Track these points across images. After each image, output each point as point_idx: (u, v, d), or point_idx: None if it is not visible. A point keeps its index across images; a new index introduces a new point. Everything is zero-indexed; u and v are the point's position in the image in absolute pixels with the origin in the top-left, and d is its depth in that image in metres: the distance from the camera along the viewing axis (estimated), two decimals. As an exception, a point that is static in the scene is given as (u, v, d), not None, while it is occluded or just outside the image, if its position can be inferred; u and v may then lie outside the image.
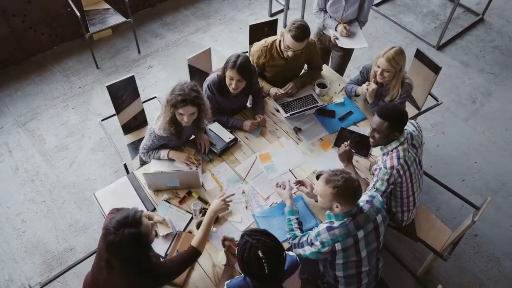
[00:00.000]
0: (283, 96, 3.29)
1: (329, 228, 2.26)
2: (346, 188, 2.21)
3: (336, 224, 2.27)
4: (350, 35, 3.49)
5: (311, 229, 2.63)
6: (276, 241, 1.97)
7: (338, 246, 2.25)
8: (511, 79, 4.67)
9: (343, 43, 3.49)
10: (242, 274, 2.05)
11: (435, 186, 3.36)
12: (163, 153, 2.88)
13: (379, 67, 2.94)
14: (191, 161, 2.87)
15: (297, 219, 2.55)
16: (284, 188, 2.68)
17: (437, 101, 3.66)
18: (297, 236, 2.45)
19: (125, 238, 1.90)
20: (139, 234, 1.94)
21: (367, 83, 3.11)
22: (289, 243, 2.49)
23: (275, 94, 3.27)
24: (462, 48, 4.99)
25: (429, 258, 3.17)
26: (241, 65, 2.85)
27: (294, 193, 2.79)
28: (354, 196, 2.25)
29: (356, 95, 3.28)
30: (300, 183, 2.73)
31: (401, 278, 3.22)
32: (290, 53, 3.12)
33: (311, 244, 2.31)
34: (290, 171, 2.94)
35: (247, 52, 3.83)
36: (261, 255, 1.88)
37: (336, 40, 3.51)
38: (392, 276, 3.10)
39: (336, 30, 3.50)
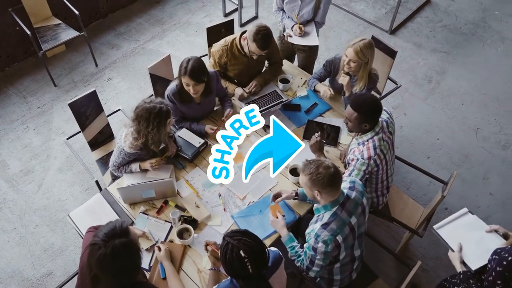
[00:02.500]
0: (249, 95, 3.32)
1: (325, 226, 2.28)
2: (319, 174, 2.23)
3: (327, 217, 2.30)
4: (304, 34, 3.53)
5: (292, 223, 2.71)
6: (257, 240, 1.99)
7: (339, 238, 2.28)
8: (462, 56, 4.87)
9: (295, 40, 3.55)
10: (229, 277, 2.07)
11: (403, 166, 3.47)
12: (135, 166, 2.85)
13: (346, 56, 3.01)
14: (155, 163, 2.84)
15: (298, 243, 2.53)
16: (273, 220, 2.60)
17: (396, 84, 3.79)
18: (304, 259, 2.44)
19: (117, 248, 1.85)
20: (130, 243, 1.91)
21: (329, 87, 3.22)
22: (301, 269, 2.47)
23: (241, 94, 3.29)
24: (413, 30, 5.16)
25: (405, 236, 3.29)
26: (192, 69, 2.83)
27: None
28: (332, 182, 2.24)
29: (316, 91, 3.34)
30: (276, 196, 2.72)
31: (382, 259, 3.32)
32: (255, 57, 3.20)
33: (315, 251, 2.29)
34: (271, 191, 2.88)
35: (206, 55, 3.83)
36: (243, 254, 1.90)
37: (288, 37, 3.56)
38: (372, 258, 3.19)
39: (292, 30, 3.55)
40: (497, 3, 5.46)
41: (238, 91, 3.31)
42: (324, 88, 3.25)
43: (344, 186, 2.43)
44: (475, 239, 2.35)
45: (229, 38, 3.29)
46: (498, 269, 2.05)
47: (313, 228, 2.33)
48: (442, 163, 3.98)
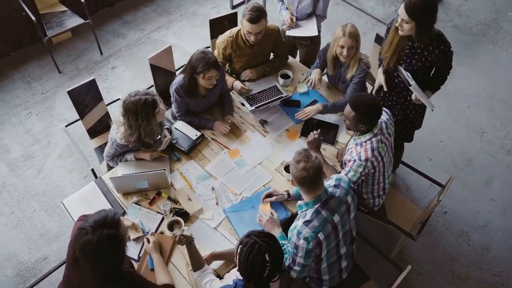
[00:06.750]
0: (248, 91, 3.29)
1: (307, 223, 2.26)
2: (297, 173, 2.24)
3: (309, 214, 2.28)
4: (303, 25, 3.48)
5: (284, 220, 2.69)
6: (280, 247, 2.00)
7: (321, 236, 2.26)
8: (471, 58, 4.78)
9: (293, 32, 3.50)
10: (231, 282, 2.06)
11: (404, 167, 3.43)
12: (129, 156, 2.86)
13: (343, 47, 2.97)
14: (153, 154, 2.87)
15: (288, 242, 2.49)
16: (268, 220, 2.57)
17: (401, 84, 3.72)
18: (287, 257, 2.42)
19: (103, 238, 1.85)
20: (117, 236, 1.91)
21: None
22: (284, 268, 2.43)
23: (241, 88, 3.25)
24: (423, 29, 5.06)
25: (401, 239, 3.24)
26: (214, 61, 2.85)
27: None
28: (305, 183, 2.25)
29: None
30: (268, 196, 2.72)
31: (375, 261, 3.26)
32: (252, 38, 3.12)
33: (297, 248, 2.28)
34: (264, 187, 2.91)
35: (209, 47, 3.81)
36: (267, 258, 1.89)
37: (287, 29, 3.52)
38: (366, 259, 3.15)
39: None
40: (510, 3, 5.33)
41: (237, 84, 3.28)
42: (314, 75, 3.22)
43: (329, 183, 2.40)
44: None
45: (234, 30, 3.26)
46: None
47: (296, 225, 2.31)
48: (444, 166, 3.92)
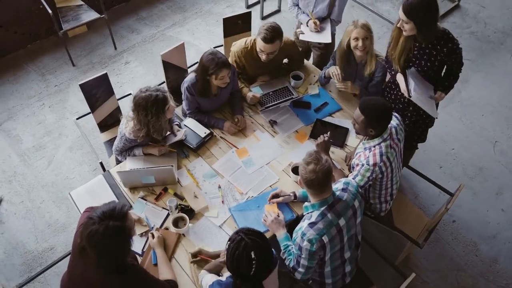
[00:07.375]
0: (260, 98, 3.26)
1: (312, 225, 2.26)
2: (305, 175, 2.24)
3: (315, 216, 2.28)
4: (320, 29, 3.47)
5: (290, 222, 2.68)
6: (269, 246, 1.99)
7: (325, 238, 2.25)
8: (487, 65, 4.71)
9: (307, 37, 3.48)
10: (223, 277, 2.07)
11: (413, 173, 3.39)
12: (138, 151, 2.88)
13: (357, 39, 2.96)
14: (162, 149, 2.88)
15: (292, 243, 2.49)
16: (273, 220, 2.56)
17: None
18: (292, 259, 2.42)
19: (109, 229, 1.88)
20: (122, 229, 1.94)
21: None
22: (289, 269, 2.44)
23: (252, 97, 3.21)
24: (439, 35, 5.01)
25: (407, 245, 3.21)
26: (224, 60, 2.85)
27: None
28: (312, 186, 2.25)
29: (326, 77, 3.29)
30: (274, 196, 2.71)
31: (380, 267, 3.24)
32: (264, 57, 3.08)
33: (301, 250, 2.27)
34: (271, 187, 2.91)
35: (222, 45, 3.82)
36: (253, 255, 1.89)
37: (300, 34, 3.49)
38: (371, 264, 3.13)
39: (307, 25, 3.48)
40: (530, 13, 5.25)
41: (249, 94, 3.23)
42: (334, 69, 3.18)
43: (337, 187, 2.39)
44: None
45: (249, 40, 3.21)
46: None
47: (301, 226, 2.31)
48: (455, 174, 3.86)
